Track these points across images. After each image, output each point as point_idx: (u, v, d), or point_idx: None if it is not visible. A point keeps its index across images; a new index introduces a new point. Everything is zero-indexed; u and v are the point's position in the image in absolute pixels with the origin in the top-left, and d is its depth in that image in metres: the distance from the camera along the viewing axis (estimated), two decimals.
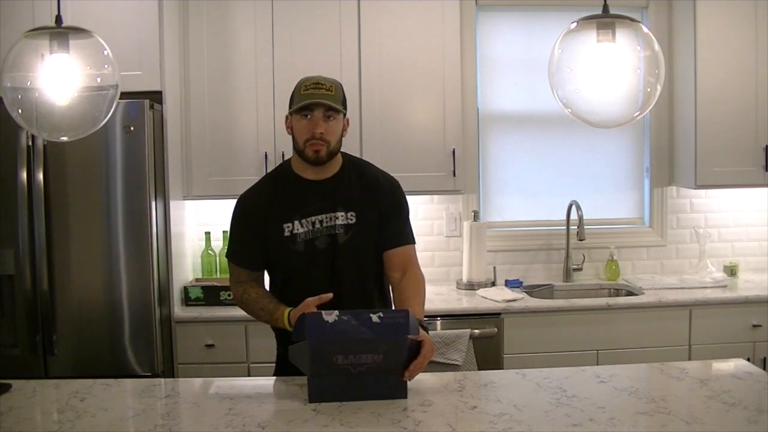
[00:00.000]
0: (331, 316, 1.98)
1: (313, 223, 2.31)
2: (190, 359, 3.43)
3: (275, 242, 2.32)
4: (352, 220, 2.32)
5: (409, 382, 2.03)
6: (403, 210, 2.44)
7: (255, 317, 2.36)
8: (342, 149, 2.44)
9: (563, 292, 4.00)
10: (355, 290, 2.34)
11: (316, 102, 2.23)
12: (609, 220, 4.23)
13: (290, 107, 2.31)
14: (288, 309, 2.21)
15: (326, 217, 2.31)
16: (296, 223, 2.30)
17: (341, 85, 2.33)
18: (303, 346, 1.98)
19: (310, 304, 2.12)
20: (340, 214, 2.31)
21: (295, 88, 2.31)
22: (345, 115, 2.33)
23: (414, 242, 2.45)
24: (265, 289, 2.41)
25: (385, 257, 2.39)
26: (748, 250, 4.20)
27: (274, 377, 2.32)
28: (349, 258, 2.32)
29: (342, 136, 2.33)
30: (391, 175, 2.48)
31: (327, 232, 2.31)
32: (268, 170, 3.65)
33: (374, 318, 1.98)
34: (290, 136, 2.35)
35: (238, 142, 3.70)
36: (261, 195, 2.39)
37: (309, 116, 2.25)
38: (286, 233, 2.30)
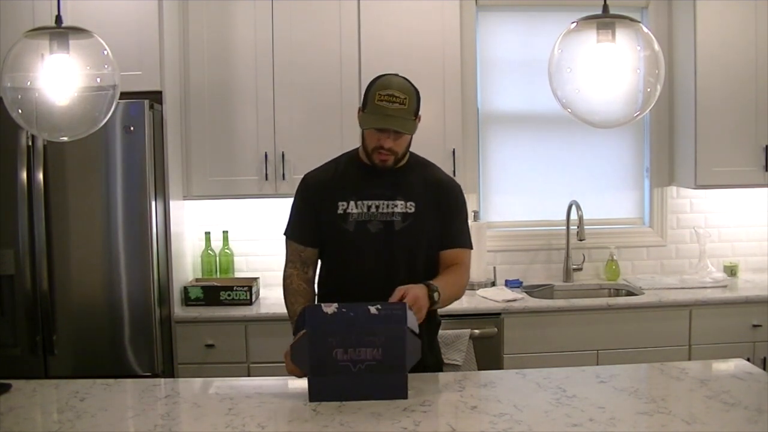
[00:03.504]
0: (330, 308, 2.02)
1: (369, 207, 2.33)
2: (190, 359, 3.42)
3: (328, 219, 2.35)
4: (411, 209, 2.34)
5: (409, 382, 2.03)
6: (462, 212, 2.46)
7: (287, 308, 2.38)
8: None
9: (563, 292, 4.00)
10: (405, 279, 2.29)
11: (387, 128, 2.23)
12: (609, 220, 4.23)
13: (363, 106, 2.30)
14: None
15: (384, 204, 2.33)
16: (351, 203, 2.33)
17: (415, 89, 2.29)
18: (304, 342, 2.00)
19: None
20: (399, 202, 2.34)
21: (369, 88, 2.28)
22: (417, 118, 2.31)
23: (471, 247, 2.46)
24: (312, 287, 2.42)
25: (440, 257, 2.40)
26: (748, 250, 4.20)
27: (274, 377, 2.32)
28: (403, 245, 2.33)
29: (412, 137, 2.34)
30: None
31: (382, 218, 2.32)
32: (268, 170, 3.67)
33: (372, 309, 2.02)
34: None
35: (238, 142, 3.70)
36: (323, 173, 2.44)
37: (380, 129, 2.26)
38: (339, 211, 2.33)
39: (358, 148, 2.44)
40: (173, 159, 3.49)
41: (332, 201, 2.35)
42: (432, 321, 2.42)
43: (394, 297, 2.11)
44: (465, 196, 2.52)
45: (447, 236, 2.40)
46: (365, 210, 2.33)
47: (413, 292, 2.12)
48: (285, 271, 2.43)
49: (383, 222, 2.33)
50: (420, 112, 2.32)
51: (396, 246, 2.33)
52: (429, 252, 2.39)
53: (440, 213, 2.38)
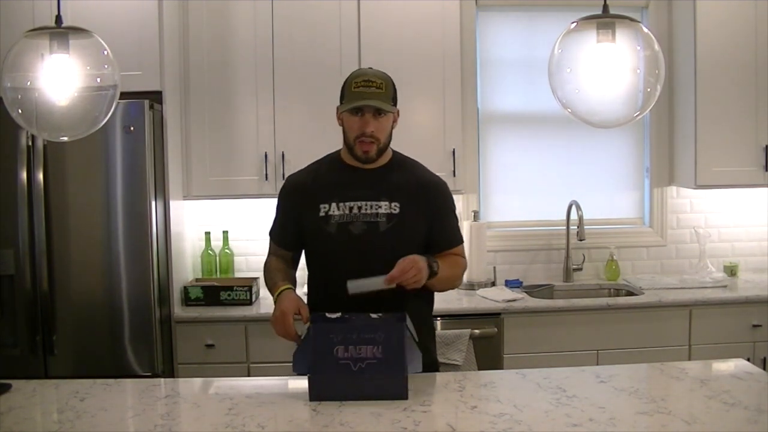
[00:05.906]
0: (333, 315, 2.09)
1: (351, 208, 2.31)
2: (190, 359, 3.42)
3: (310, 223, 2.34)
4: (395, 210, 2.31)
5: (409, 382, 2.03)
6: (452, 210, 2.46)
7: (267, 286, 2.41)
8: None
9: (563, 292, 4.00)
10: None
11: (366, 104, 2.25)
12: (609, 220, 4.23)
13: (341, 101, 2.32)
14: (285, 286, 2.26)
15: (367, 204, 2.31)
16: (333, 205, 2.32)
17: (391, 79, 2.33)
18: (306, 342, 2.03)
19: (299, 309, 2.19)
20: (383, 203, 2.31)
21: (345, 82, 2.32)
22: (395, 107, 2.35)
23: (462, 242, 2.48)
24: (287, 265, 2.44)
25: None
26: (748, 250, 4.20)
27: (274, 377, 2.32)
28: (387, 246, 2.29)
29: (392, 129, 2.35)
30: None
31: (366, 219, 2.30)
32: (268, 170, 3.67)
33: (374, 315, 2.09)
34: (337, 129, 2.38)
35: (238, 142, 3.70)
36: (304, 175, 2.44)
37: (359, 114, 2.27)
38: (321, 213, 2.32)
39: (340, 150, 2.43)
40: (173, 159, 3.49)
41: (314, 203, 2.34)
42: (426, 323, 2.43)
43: (396, 267, 2.13)
44: (454, 194, 2.55)
45: (441, 239, 2.39)
46: (347, 211, 2.31)
47: (412, 257, 2.16)
48: (270, 257, 2.49)
49: (367, 223, 2.30)
50: (397, 106, 2.35)
51: (379, 247, 2.30)
52: (411, 252, 2.33)
53: (429, 214, 2.36)
